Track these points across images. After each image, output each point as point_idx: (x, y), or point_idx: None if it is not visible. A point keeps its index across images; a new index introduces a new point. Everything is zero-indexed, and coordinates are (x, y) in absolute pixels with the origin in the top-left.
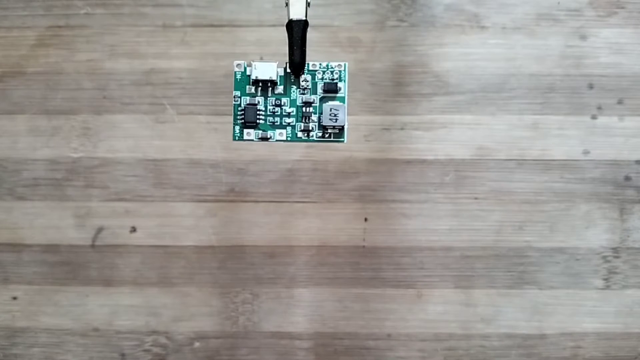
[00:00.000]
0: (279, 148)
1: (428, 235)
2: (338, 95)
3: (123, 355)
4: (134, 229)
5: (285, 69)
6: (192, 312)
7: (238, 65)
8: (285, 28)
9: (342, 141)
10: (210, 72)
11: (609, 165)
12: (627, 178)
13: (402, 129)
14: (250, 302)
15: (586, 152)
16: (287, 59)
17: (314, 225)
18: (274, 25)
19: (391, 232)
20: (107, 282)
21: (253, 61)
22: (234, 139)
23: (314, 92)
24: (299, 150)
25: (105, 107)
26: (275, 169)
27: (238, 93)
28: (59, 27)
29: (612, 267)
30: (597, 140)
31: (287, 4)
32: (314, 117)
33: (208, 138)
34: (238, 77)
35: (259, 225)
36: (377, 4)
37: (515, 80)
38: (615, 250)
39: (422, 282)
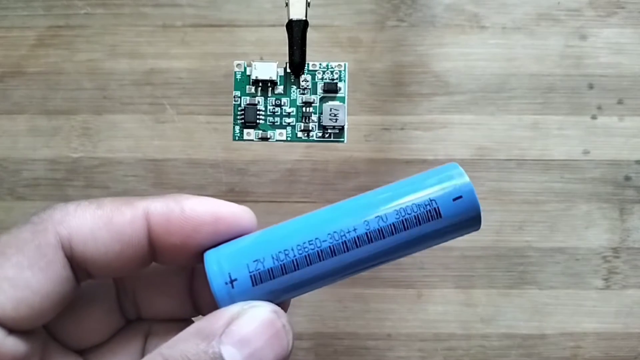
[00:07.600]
0: (279, 148)
1: None
2: (338, 95)
3: None
4: None
5: (285, 69)
6: None
7: (238, 65)
8: (285, 28)
9: (342, 141)
10: (210, 72)
11: (609, 165)
12: (627, 178)
13: (402, 129)
14: None
15: (586, 152)
16: (287, 59)
17: None
18: (274, 25)
19: None
20: None
21: (253, 61)
22: (234, 139)
23: (314, 92)
24: (299, 150)
25: (105, 107)
26: (275, 169)
27: (238, 93)
28: (59, 27)
29: (612, 267)
30: (597, 140)
31: (287, 4)
32: (314, 117)
33: (208, 138)
34: (238, 77)
35: (260, 226)
36: (377, 4)
37: (515, 80)
38: (615, 250)
39: (422, 282)
